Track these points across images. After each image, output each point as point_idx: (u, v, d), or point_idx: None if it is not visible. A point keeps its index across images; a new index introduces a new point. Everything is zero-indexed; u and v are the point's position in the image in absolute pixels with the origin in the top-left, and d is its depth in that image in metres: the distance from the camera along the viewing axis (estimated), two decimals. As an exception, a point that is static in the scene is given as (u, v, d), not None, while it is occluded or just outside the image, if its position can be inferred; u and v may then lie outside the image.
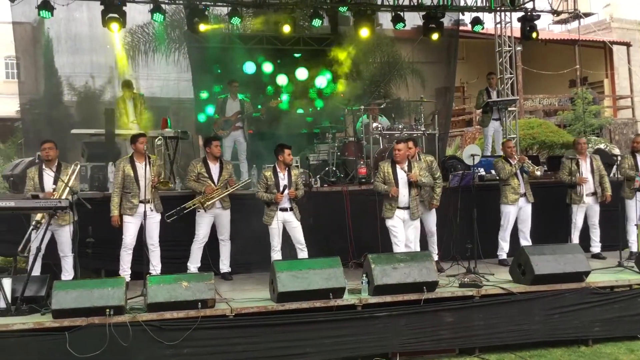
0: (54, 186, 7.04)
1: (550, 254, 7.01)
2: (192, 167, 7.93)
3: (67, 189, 6.85)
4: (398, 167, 7.62)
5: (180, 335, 5.81)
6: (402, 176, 7.60)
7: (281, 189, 7.52)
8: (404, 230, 7.63)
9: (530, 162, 8.58)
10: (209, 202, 7.66)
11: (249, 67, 12.22)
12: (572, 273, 6.94)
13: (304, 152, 10.75)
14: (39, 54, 12.12)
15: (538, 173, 8.39)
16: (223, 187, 7.81)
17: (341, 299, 6.39)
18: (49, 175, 7.12)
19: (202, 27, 10.28)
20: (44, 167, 7.19)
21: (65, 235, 7.07)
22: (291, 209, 7.65)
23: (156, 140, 8.50)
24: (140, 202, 7.32)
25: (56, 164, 7.20)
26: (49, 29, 11.56)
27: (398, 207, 7.61)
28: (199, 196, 7.70)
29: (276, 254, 7.62)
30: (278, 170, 7.67)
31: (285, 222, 7.64)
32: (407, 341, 6.35)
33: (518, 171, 8.49)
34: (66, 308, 5.75)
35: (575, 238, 8.57)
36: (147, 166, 7.34)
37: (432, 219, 8.28)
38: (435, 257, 8.22)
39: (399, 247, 7.53)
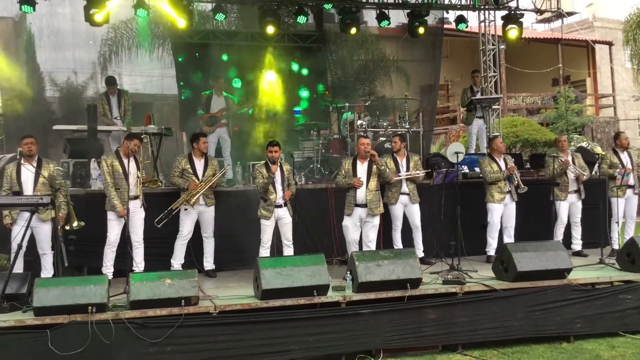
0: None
1: (533, 251, 7.05)
2: (177, 162, 7.91)
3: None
4: (359, 162, 7.80)
5: (163, 333, 5.77)
6: (362, 172, 7.71)
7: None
8: (356, 231, 7.78)
9: (519, 177, 8.45)
10: (194, 198, 7.61)
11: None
12: (554, 270, 6.99)
13: (288, 150, 10.73)
14: (20, 49, 12.00)
15: (520, 191, 8.41)
16: (206, 182, 7.76)
17: (325, 296, 6.38)
18: (28, 171, 7.01)
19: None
20: (23, 162, 7.07)
21: (44, 233, 6.99)
22: (285, 205, 7.65)
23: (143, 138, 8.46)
24: (129, 198, 7.25)
25: (36, 159, 7.10)
26: (31, 23, 11.46)
27: (356, 205, 7.75)
28: (183, 194, 7.68)
29: (265, 250, 7.60)
30: (270, 165, 7.63)
31: (279, 218, 7.62)
32: (390, 338, 6.37)
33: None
34: (48, 305, 5.69)
35: (559, 234, 8.64)
36: (133, 163, 7.33)
37: (416, 213, 8.33)
38: (420, 254, 8.26)
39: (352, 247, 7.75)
